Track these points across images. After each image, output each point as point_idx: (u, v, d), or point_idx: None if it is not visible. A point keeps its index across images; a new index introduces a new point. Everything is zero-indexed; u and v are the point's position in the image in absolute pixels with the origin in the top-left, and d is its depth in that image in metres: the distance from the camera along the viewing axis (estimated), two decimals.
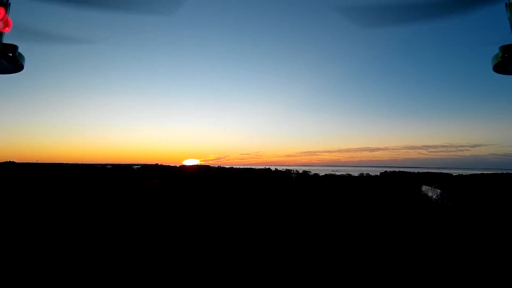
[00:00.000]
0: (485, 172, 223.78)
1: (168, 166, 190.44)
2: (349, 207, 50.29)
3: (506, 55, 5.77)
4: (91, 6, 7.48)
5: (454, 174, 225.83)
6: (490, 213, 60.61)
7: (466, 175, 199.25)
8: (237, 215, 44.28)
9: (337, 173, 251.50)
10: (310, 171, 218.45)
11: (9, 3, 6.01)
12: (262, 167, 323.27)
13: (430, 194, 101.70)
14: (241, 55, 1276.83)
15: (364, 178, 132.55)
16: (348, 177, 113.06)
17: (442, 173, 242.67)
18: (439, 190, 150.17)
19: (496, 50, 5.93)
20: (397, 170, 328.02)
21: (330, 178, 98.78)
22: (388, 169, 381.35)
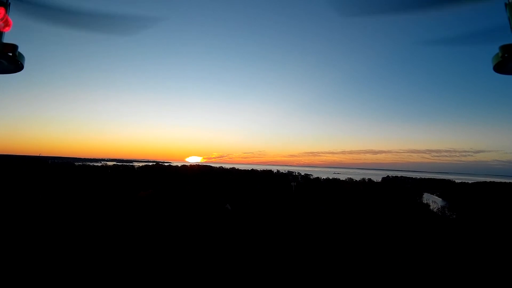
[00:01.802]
0: (487, 180, 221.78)
1: (169, 167, 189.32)
2: (349, 222, 49.38)
3: (506, 55, 5.72)
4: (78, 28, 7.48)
5: (457, 181, 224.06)
6: (496, 227, 59.26)
7: (469, 183, 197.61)
8: (232, 228, 43.40)
9: (339, 177, 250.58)
10: (311, 175, 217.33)
11: (9, 3, 5.99)
12: (264, 168, 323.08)
13: (432, 205, 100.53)
14: (248, 56, 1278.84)
15: (365, 186, 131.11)
16: (349, 186, 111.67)
17: (445, 179, 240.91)
18: (441, 199, 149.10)
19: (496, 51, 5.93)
20: (399, 175, 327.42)
21: (330, 187, 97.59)
22: (390, 173, 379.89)
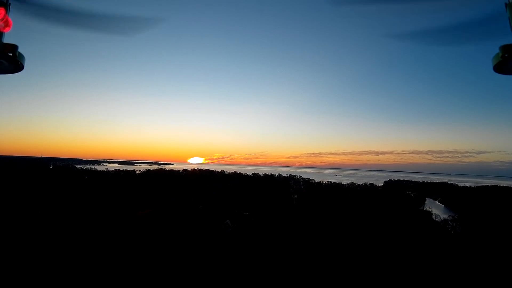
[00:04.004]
0: (490, 184, 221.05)
1: (171, 172, 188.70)
2: (350, 243, 48.94)
3: (506, 55, 5.76)
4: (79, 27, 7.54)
5: (459, 185, 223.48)
6: (500, 241, 58.29)
7: (472, 188, 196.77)
8: (232, 251, 42.99)
9: (340, 180, 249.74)
10: (313, 179, 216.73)
11: (9, 3, 6.07)
12: (266, 170, 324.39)
13: (434, 213, 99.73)
14: (250, 57, 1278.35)
15: (367, 193, 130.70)
16: (351, 195, 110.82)
17: (447, 183, 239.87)
18: (443, 206, 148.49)
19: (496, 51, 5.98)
20: (401, 177, 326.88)
21: (332, 198, 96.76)
22: (392, 175, 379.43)
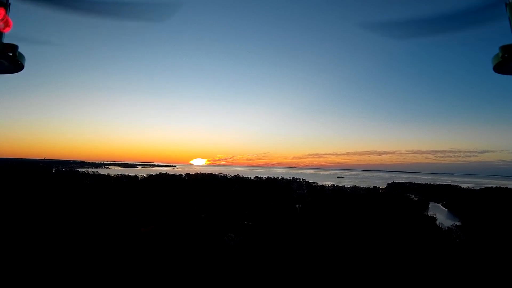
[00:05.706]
0: (493, 186, 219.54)
1: (173, 177, 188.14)
2: (354, 258, 48.67)
3: (506, 55, 5.76)
4: (93, 14, 7.41)
5: (463, 186, 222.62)
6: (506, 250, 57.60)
7: (475, 190, 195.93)
8: (235, 266, 42.76)
9: (343, 181, 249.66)
10: (316, 183, 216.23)
11: (9, 4, 6.07)
12: (269, 171, 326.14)
13: (438, 218, 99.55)
14: (252, 58, 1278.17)
15: (370, 198, 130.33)
16: (355, 203, 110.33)
17: (450, 185, 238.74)
18: (447, 210, 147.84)
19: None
20: (404, 177, 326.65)
21: (335, 208, 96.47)
22: (395, 176, 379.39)
